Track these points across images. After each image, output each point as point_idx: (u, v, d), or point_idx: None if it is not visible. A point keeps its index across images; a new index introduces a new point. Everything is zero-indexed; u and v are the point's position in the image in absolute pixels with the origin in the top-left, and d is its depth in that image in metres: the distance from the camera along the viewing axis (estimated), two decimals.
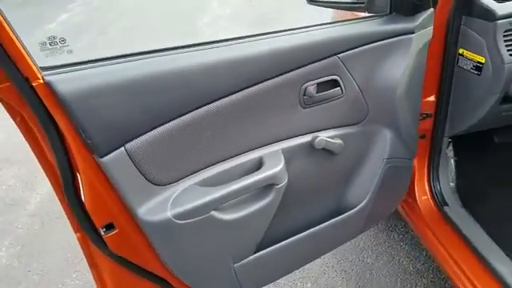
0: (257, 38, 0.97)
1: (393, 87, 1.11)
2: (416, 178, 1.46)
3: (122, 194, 0.89)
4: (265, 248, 1.14)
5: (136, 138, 0.86)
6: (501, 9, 1.14)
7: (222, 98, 0.93)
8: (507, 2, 1.16)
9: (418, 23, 1.06)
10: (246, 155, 1.03)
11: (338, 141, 1.13)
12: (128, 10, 5.78)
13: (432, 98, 1.34)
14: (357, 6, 1.22)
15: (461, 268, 1.28)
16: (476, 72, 1.22)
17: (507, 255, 1.23)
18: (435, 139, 1.40)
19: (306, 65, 1.00)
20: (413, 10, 1.06)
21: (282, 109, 1.03)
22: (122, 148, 0.85)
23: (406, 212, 1.53)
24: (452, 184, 1.51)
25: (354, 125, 1.15)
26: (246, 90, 0.96)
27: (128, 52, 0.86)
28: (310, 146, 1.10)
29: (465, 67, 1.26)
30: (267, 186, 1.02)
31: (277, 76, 0.98)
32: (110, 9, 5.84)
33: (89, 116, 0.79)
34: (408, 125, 1.22)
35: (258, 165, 1.04)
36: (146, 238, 0.97)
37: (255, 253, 1.13)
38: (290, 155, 1.07)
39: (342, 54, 1.03)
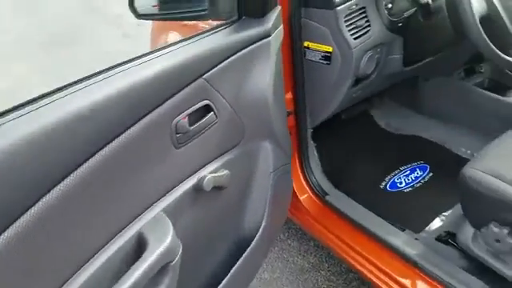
0: (96, 78, 0.68)
1: (264, 96, 0.98)
2: (293, 177, 1.41)
3: None
4: None
5: None
6: None
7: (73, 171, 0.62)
8: None
9: (271, 24, 0.95)
10: (120, 237, 0.74)
11: (225, 171, 0.95)
12: None
13: (289, 95, 1.28)
14: (198, 14, 1.02)
15: (357, 251, 1.28)
16: (325, 62, 1.20)
17: (392, 224, 1.29)
18: (300, 135, 1.36)
19: (170, 96, 0.77)
20: (263, 11, 0.95)
21: (155, 157, 0.78)
22: None
23: (291, 212, 1.48)
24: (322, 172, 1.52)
25: (234, 147, 0.99)
26: (103, 151, 0.67)
27: None
28: (197, 189, 0.88)
29: (313, 59, 1.22)
30: (160, 269, 0.75)
31: (139, 120, 0.72)
32: None
33: None
34: (282, 129, 1.14)
35: (141, 246, 0.75)
36: None
37: None
38: (175, 212, 0.83)
39: (206, 75, 0.84)
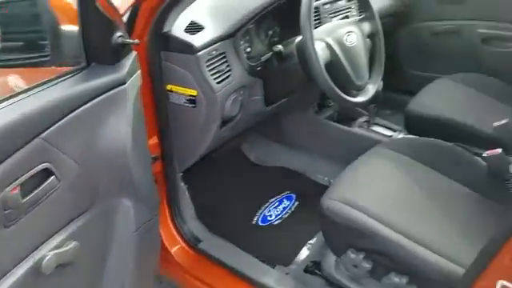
0: None
1: (121, 147, 0.89)
2: (161, 228, 1.32)
3: None
4: None
5: None
6: (197, 40, 1.11)
7: None
8: (199, 33, 1.13)
9: (126, 71, 0.88)
10: None
11: (72, 244, 0.81)
12: None
13: (155, 140, 1.21)
14: (39, 60, 0.89)
15: None
16: (191, 105, 1.17)
17: (264, 262, 1.30)
18: (169, 181, 1.29)
19: None
20: (115, 58, 0.87)
21: None
22: None
23: (162, 266, 1.37)
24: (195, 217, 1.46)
25: (84, 212, 0.87)
26: None
27: None
28: (35, 273, 0.74)
29: (178, 102, 1.18)
30: None
31: None
32: None
33: None
34: (145, 180, 1.05)
35: None
36: None
37: None
38: None
39: (46, 133, 0.72)
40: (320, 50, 1.13)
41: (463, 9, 1.84)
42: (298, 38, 1.24)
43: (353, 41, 1.20)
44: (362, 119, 1.66)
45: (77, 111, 0.78)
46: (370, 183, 1.09)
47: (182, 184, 1.37)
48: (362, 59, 1.23)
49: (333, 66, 1.16)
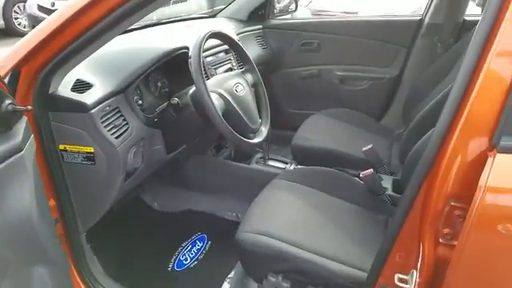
0: None
1: (27, 217, 0.83)
2: None
3: None
4: None
5: None
6: (88, 98, 1.08)
7: None
8: (88, 91, 1.10)
9: (20, 137, 0.82)
10: None
11: None
12: None
13: (53, 203, 1.12)
14: None
15: None
16: (90, 162, 1.13)
17: None
18: (73, 242, 1.20)
19: None
20: (7, 126, 0.81)
21: None
22: None
23: None
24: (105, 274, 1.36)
25: None
26: None
27: None
28: None
29: (74, 161, 1.13)
30: None
31: None
32: None
33: None
34: (53, 244, 0.97)
35: None
36: None
37: None
38: None
39: None
40: (215, 100, 1.21)
41: (321, 56, 2.17)
42: (191, 90, 1.32)
43: (241, 90, 1.31)
44: (257, 156, 1.79)
45: None
46: (276, 212, 1.18)
47: (87, 243, 1.28)
48: (252, 106, 1.35)
49: (229, 113, 1.25)
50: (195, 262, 1.53)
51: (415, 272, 0.78)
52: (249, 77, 1.42)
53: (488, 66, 0.66)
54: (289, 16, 2.36)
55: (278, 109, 2.25)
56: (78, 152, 1.11)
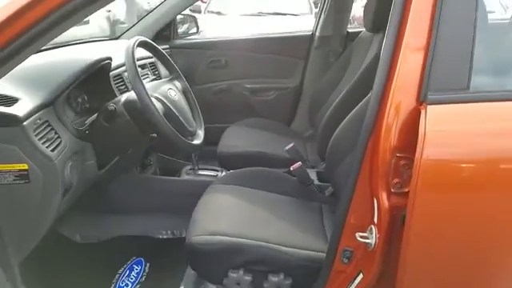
0: None
1: None
2: None
3: None
4: None
5: None
6: (18, 111, 0.97)
7: None
8: (15, 104, 0.99)
9: None
10: None
11: None
12: None
13: None
14: None
15: None
16: (23, 181, 0.99)
17: None
18: (6, 275, 1.01)
19: None
20: None
21: None
22: None
23: None
24: None
25: None
26: None
27: None
28: None
29: (5, 182, 0.98)
30: None
31: None
32: None
33: None
34: None
35: None
36: None
37: None
38: None
39: None
40: (156, 102, 1.19)
41: (229, 72, 2.28)
42: (123, 98, 1.27)
43: (175, 95, 1.32)
44: (187, 168, 1.77)
45: None
46: (220, 213, 1.20)
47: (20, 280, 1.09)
48: (187, 109, 1.36)
49: (168, 116, 1.23)
50: (138, 286, 1.42)
51: (373, 227, 0.88)
52: (177, 84, 1.44)
53: (406, 40, 0.82)
54: (196, 36, 2.42)
55: None
56: (9, 171, 0.97)
